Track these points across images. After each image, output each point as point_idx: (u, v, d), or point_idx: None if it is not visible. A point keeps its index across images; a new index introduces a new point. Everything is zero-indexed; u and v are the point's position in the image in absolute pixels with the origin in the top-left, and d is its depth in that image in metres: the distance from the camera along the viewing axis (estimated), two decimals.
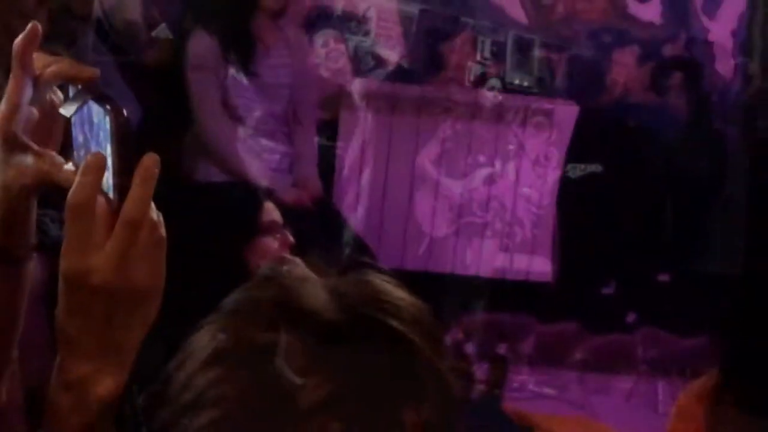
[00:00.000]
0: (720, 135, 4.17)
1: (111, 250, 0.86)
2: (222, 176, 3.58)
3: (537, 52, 4.09)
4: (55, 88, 0.97)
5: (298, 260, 0.87)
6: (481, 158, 3.97)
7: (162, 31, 3.82)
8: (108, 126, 0.86)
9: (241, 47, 3.60)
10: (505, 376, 3.96)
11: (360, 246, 3.84)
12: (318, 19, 3.99)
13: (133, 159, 0.86)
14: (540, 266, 4.09)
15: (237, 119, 3.63)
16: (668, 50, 4.12)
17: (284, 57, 3.72)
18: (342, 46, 4.04)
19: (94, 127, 0.89)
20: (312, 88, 3.87)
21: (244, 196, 2.74)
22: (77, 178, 0.86)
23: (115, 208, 0.86)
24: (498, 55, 4.01)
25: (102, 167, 0.86)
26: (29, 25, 0.93)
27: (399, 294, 0.87)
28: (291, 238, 2.69)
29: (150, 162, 0.87)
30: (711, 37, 4.10)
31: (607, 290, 4.36)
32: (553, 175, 4.02)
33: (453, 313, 4.26)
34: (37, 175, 0.94)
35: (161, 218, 0.89)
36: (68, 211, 0.86)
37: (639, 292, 4.35)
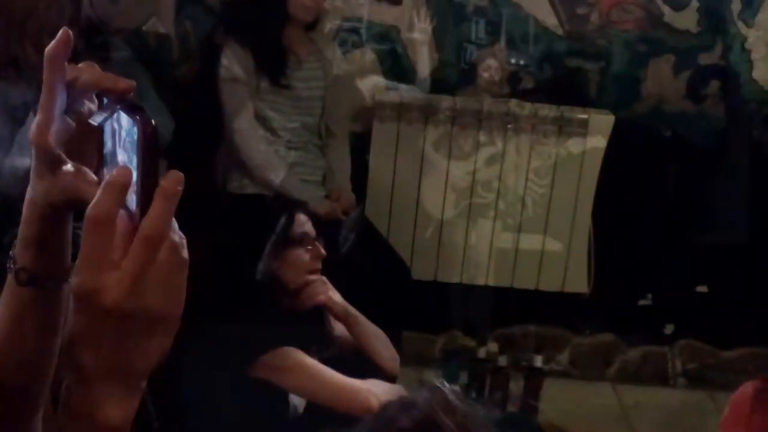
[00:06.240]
0: (758, 143, 4.12)
1: (126, 268, 0.79)
2: (255, 188, 3.58)
3: (568, 61, 4.07)
4: (93, 97, 0.92)
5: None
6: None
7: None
8: (135, 137, 0.83)
9: (274, 59, 3.59)
10: (540, 389, 3.92)
11: (394, 259, 3.82)
12: (349, 31, 3.98)
13: (159, 173, 0.81)
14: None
15: (270, 131, 3.62)
16: (705, 59, 4.08)
17: (316, 69, 3.71)
18: (375, 58, 4.03)
19: (122, 137, 0.85)
20: (344, 100, 3.85)
21: (277, 208, 2.73)
22: (99, 190, 0.80)
23: (136, 224, 0.80)
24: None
25: (127, 182, 0.80)
26: (60, 31, 0.88)
27: None
28: (323, 250, 2.68)
29: (174, 179, 0.81)
30: (748, 44, 4.05)
31: (643, 302, 4.31)
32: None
33: (488, 325, 4.23)
34: (68, 192, 0.89)
35: (184, 241, 0.82)
36: (86, 224, 0.80)
37: (677, 304, 4.31)
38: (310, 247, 2.65)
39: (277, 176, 3.55)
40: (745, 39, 4.05)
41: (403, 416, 0.78)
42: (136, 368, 0.82)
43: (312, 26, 3.70)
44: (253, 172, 3.58)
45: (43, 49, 0.88)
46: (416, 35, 4.00)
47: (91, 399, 0.81)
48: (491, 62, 4.01)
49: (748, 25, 4.04)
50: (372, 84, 4.00)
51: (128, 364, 0.81)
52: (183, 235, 0.82)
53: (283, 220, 2.65)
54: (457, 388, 0.83)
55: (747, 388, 1.87)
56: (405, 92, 3.98)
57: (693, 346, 4.32)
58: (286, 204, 2.80)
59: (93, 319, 0.80)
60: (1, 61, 2.42)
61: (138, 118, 0.83)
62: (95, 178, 0.89)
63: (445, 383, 0.81)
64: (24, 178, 0.92)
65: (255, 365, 2.49)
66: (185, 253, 0.82)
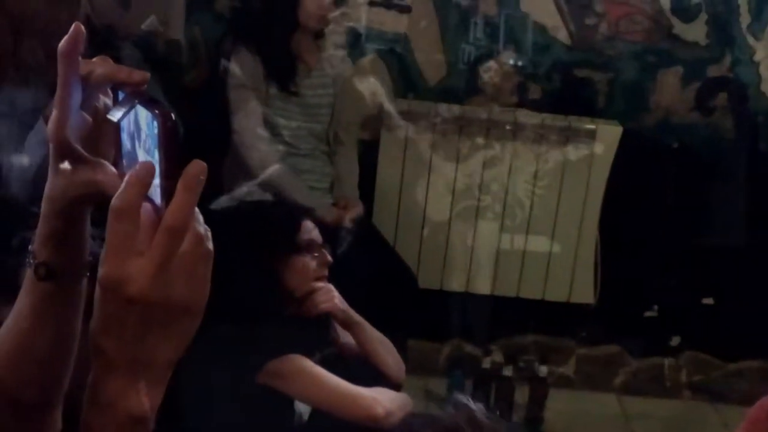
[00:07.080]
0: (765, 156, 4.12)
1: (150, 258, 0.80)
2: (262, 195, 3.58)
3: (576, 71, 4.07)
4: (108, 91, 0.92)
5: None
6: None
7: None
8: (156, 131, 0.82)
9: (283, 67, 3.59)
10: (545, 399, 3.91)
11: (400, 267, 3.82)
12: (359, 39, 3.98)
13: (181, 165, 0.81)
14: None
15: (277, 138, 3.63)
16: (713, 71, 4.08)
17: (325, 77, 3.72)
18: (384, 66, 4.03)
19: (142, 131, 0.85)
20: (352, 107, 3.86)
21: (283, 215, 2.73)
22: (124, 183, 0.81)
23: (161, 216, 0.81)
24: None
25: (151, 174, 0.81)
26: (72, 26, 0.88)
27: None
28: (329, 258, 2.68)
29: (196, 169, 0.81)
30: (757, 57, 4.05)
31: (649, 313, 4.30)
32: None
33: (493, 335, 4.22)
34: (87, 186, 0.89)
35: (209, 233, 0.83)
36: (111, 215, 0.81)
37: (683, 316, 4.30)
38: (316, 254, 2.65)
39: (279, 178, 3.54)
40: (753, 52, 4.05)
41: (428, 431, 0.78)
42: (160, 358, 0.82)
43: (321, 34, 3.71)
44: (256, 173, 3.58)
45: (52, 53, 0.89)
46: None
47: (115, 389, 0.81)
48: (491, 63, 4.01)
49: (757, 38, 4.04)
50: (380, 91, 4.00)
51: (152, 353, 0.82)
52: (208, 227, 0.83)
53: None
54: (482, 405, 0.82)
55: (764, 403, 1.84)
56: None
57: (698, 358, 4.31)
58: (292, 211, 2.80)
59: (118, 308, 0.80)
60: (9, 65, 2.42)
61: (157, 111, 0.83)
62: (115, 170, 0.89)
63: (471, 399, 0.81)
64: (32, 182, 0.92)
65: (260, 372, 2.49)
66: (210, 245, 0.82)
